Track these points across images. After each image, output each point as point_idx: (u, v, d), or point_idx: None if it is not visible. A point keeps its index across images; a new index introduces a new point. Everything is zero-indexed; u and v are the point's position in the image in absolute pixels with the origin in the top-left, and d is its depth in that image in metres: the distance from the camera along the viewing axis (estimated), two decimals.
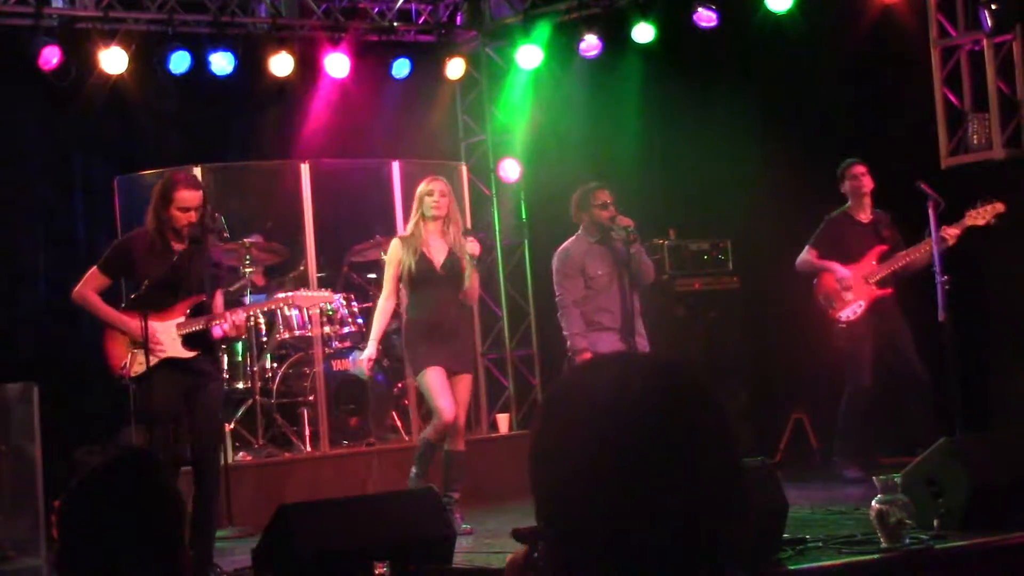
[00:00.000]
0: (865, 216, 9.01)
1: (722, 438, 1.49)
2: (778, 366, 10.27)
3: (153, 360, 6.77)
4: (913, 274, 8.83)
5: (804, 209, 9.20)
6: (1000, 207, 8.55)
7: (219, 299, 7.09)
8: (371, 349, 8.01)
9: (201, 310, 6.91)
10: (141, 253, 6.88)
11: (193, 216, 6.76)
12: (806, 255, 8.98)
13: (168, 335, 6.83)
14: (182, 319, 6.87)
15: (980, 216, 8.52)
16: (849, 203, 9.05)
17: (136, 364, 6.86)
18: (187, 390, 6.82)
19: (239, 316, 6.94)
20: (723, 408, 1.50)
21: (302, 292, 7.77)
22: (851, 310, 8.82)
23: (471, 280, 7.84)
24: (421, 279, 7.77)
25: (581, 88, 11.03)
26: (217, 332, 6.89)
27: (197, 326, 6.86)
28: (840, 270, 8.89)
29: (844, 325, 8.79)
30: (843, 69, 9.95)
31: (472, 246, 7.89)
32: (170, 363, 6.84)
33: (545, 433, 1.52)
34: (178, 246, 6.87)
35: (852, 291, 8.87)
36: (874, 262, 8.90)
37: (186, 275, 6.87)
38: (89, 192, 10.42)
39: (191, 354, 6.84)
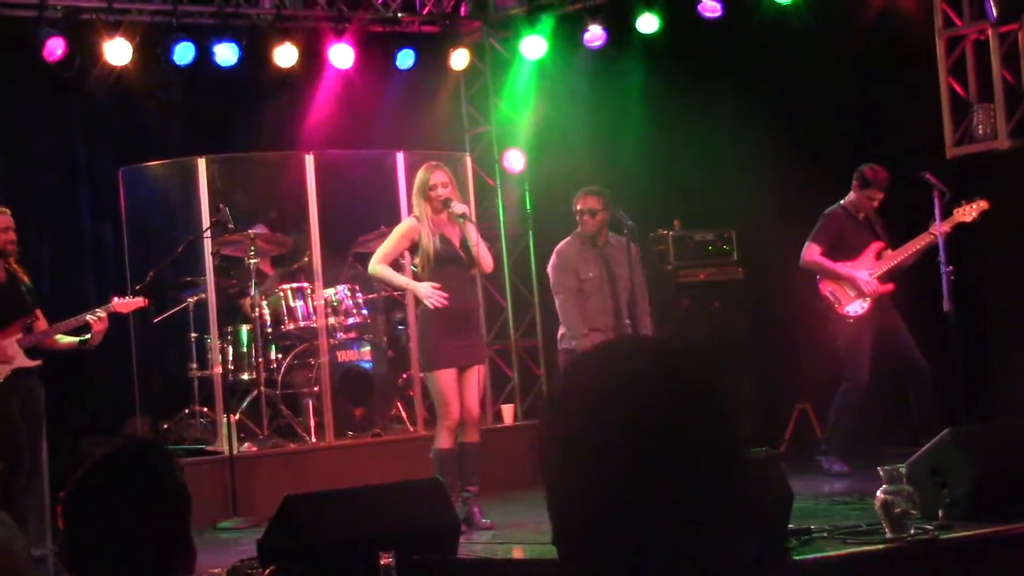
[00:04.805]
0: (862, 213, 8.96)
1: (724, 422, 1.49)
2: (783, 356, 10.26)
3: (6, 371, 7.63)
4: (906, 268, 8.82)
5: (808, 199, 9.18)
6: (984, 204, 8.56)
7: (39, 313, 7.94)
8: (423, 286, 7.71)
9: (31, 325, 7.84)
10: None
11: (13, 235, 7.71)
12: (813, 255, 8.86)
13: (14, 349, 7.67)
14: (20, 335, 7.70)
15: (967, 213, 8.52)
16: (852, 199, 8.92)
17: None
18: (24, 397, 7.68)
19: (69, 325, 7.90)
20: (726, 392, 1.51)
21: (116, 300, 8.26)
22: (858, 305, 8.79)
23: (478, 246, 7.77)
24: (444, 260, 7.67)
25: (585, 79, 11.01)
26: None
27: (37, 339, 7.77)
28: (853, 273, 8.80)
29: (852, 320, 8.76)
30: (848, 59, 9.93)
31: (459, 207, 7.81)
32: (16, 372, 7.67)
33: (555, 423, 1.52)
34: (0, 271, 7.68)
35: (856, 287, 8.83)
36: (874, 258, 8.87)
37: (12, 295, 7.72)
38: (93, 183, 10.43)
39: (36, 363, 7.75)
